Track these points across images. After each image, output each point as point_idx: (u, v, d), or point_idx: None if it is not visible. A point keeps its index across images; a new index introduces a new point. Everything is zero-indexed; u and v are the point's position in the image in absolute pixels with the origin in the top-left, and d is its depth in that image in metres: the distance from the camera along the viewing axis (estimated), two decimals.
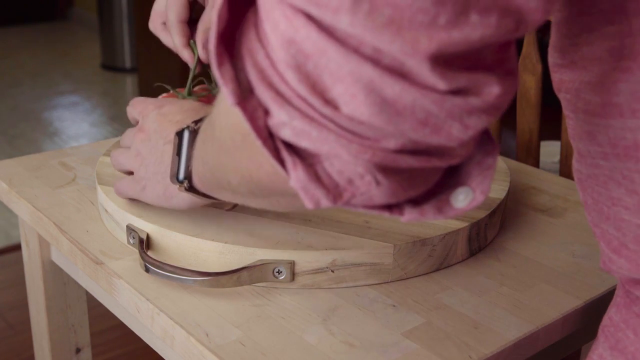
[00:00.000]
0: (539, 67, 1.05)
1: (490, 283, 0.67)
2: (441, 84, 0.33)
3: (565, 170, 1.03)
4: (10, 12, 4.98)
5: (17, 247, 2.18)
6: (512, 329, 0.60)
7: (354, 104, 0.34)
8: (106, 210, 0.73)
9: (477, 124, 0.36)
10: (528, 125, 1.07)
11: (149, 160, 0.65)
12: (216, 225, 0.68)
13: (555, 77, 0.50)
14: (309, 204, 0.39)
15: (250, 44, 0.37)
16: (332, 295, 0.64)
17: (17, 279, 2.01)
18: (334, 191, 0.39)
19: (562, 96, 0.50)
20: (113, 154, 0.71)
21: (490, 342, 0.58)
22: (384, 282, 0.66)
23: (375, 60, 0.33)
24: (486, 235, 0.73)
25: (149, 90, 2.86)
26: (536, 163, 1.08)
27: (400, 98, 0.34)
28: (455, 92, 0.34)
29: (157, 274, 0.63)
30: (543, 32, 1.84)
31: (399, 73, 0.33)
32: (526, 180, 0.89)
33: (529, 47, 1.05)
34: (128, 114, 0.72)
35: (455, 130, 0.35)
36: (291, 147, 0.38)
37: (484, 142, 0.42)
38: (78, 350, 0.92)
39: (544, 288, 0.66)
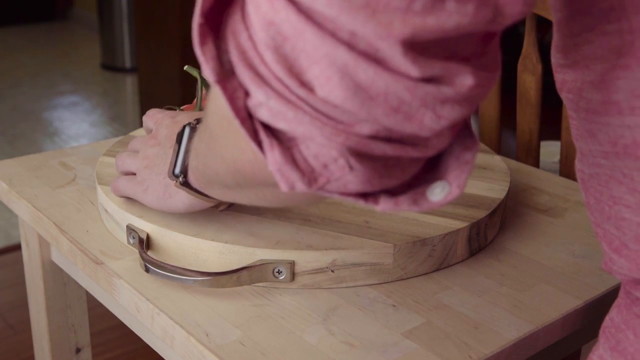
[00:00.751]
0: (539, 67, 1.05)
1: (490, 283, 0.67)
2: (414, 71, 0.34)
3: (565, 170, 1.03)
4: (10, 12, 4.98)
5: (17, 247, 2.18)
6: (512, 329, 0.60)
7: (328, 87, 0.35)
8: (106, 210, 0.73)
9: (450, 114, 0.36)
10: (528, 125, 1.07)
11: (155, 162, 0.67)
12: (216, 225, 0.68)
13: (558, 77, 0.50)
14: (283, 187, 0.40)
15: (235, 25, 0.37)
16: (332, 295, 0.64)
17: (17, 279, 2.01)
18: (309, 175, 0.39)
19: (564, 96, 0.50)
20: (119, 155, 0.72)
21: (490, 342, 0.58)
22: (384, 282, 0.66)
23: (350, 45, 0.33)
24: (486, 235, 0.73)
25: (149, 90, 2.86)
26: (536, 163, 1.08)
27: (374, 83, 0.34)
28: (429, 80, 0.34)
29: (157, 274, 0.63)
30: (543, 32, 1.84)
31: (374, 58, 0.34)
32: (526, 180, 0.89)
33: (529, 47, 1.05)
34: (144, 124, 0.73)
35: (428, 119, 0.36)
36: (270, 130, 0.39)
37: (464, 136, 0.42)
38: (78, 350, 0.92)
39: (544, 288, 0.66)
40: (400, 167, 0.40)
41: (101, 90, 3.85)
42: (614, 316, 0.52)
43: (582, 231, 0.77)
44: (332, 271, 0.64)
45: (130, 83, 3.93)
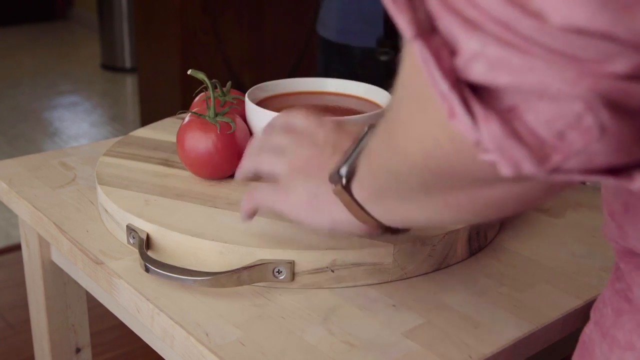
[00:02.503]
0: None
1: (490, 283, 0.67)
2: None
3: None
4: (10, 12, 4.98)
5: (17, 247, 2.18)
6: (512, 329, 0.60)
7: (566, 5, 0.26)
8: (106, 210, 0.73)
9: None
10: None
11: (309, 165, 0.57)
12: (216, 225, 0.68)
13: None
14: (506, 169, 0.32)
15: None
16: (332, 295, 0.64)
17: (17, 279, 2.01)
18: (539, 151, 0.31)
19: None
20: (259, 151, 0.61)
21: (490, 342, 0.58)
22: (384, 282, 0.66)
23: None
24: (486, 235, 0.73)
25: (149, 90, 2.86)
26: None
27: None
28: None
29: (157, 274, 0.63)
30: None
31: None
32: None
33: None
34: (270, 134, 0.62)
35: None
36: (484, 102, 0.31)
37: None
38: (78, 350, 0.92)
39: (544, 288, 0.66)
40: None
41: (101, 90, 3.85)
42: (604, 291, 0.51)
43: (582, 231, 0.77)
44: (332, 271, 0.64)
45: (130, 83, 3.93)
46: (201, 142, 0.75)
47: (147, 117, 2.86)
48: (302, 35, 2.86)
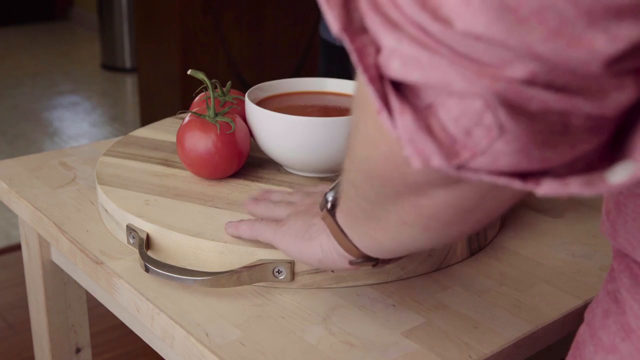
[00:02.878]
0: None
1: (490, 283, 0.67)
2: None
3: None
4: (10, 12, 4.98)
5: (17, 247, 2.18)
6: (512, 329, 0.60)
7: (468, 13, 0.29)
8: (106, 210, 0.73)
9: (630, 32, 0.27)
10: None
11: (301, 202, 0.64)
12: (216, 225, 0.68)
13: None
14: (415, 162, 0.33)
15: None
16: (332, 295, 0.64)
17: (17, 279, 2.01)
18: (449, 147, 0.33)
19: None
20: (265, 203, 0.68)
21: (490, 341, 0.58)
22: (384, 282, 0.66)
23: None
24: (486, 235, 0.73)
25: (149, 90, 2.86)
26: None
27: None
28: None
29: (157, 274, 0.63)
30: None
31: None
32: None
33: None
34: (254, 210, 0.68)
35: (600, 41, 0.28)
36: (403, 96, 0.33)
37: None
38: (78, 350, 0.92)
39: (543, 288, 0.66)
40: (569, 134, 0.32)
41: (101, 90, 3.85)
42: (599, 292, 0.51)
43: (582, 231, 0.77)
44: (332, 271, 0.64)
45: (130, 83, 3.93)
46: (201, 142, 0.75)
47: (147, 117, 2.86)
48: (303, 36, 2.86)
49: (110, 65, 4.12)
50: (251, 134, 0.79)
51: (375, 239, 0.48)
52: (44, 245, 0.86)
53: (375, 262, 0.53)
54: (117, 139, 0.90)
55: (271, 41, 2.82)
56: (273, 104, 0.81)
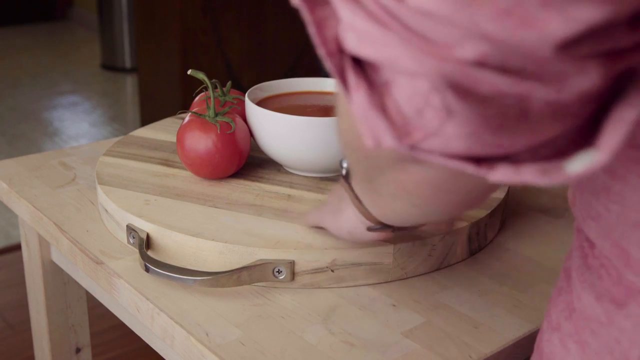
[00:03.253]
0: None
1: (490, 283, 0.67)
2: None
3: None
4: (10, 12, 4.98)
5: (17, 247, 2.18)
6: (512, 329, 0.60)
7: None
8: (106, 210, 0.73)
9: (585, 14, 0.26)
10: None
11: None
12: (216, 225, 0.68)
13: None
14: (368, 140, 0.33)
15: None
16: (332, 295, 0.64)
17: (17, 279, 2.01)
18: (401, 128, 0.32)
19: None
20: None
21: (490, 341, 0.58)
22: (384, 282, 0.66)
23: None
24: (486, 235, 0.73)
25: (149, 90, 2.86)
26: None
27: None
28: None
29: (157, 273, 0.63)
30: None
31: None
32: None
33: None
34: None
35: (554, 22, 0.26)
36: (361, 73, 0.32)
37: (633, 91, 0.30)
38: (78, 350, 0.92)
39: (544, 288, 0.66)
40: (529, 120, 0.30)
41: (101, 90, 3.85)
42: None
43: None
44: (332, 271, 0.64)
45: (130, 83, 3.93)
46: (201, 142, 0.75)
47: (147, 117, 2.86)
48: (303, 36, 2.86)
49: (110, 65, 4.12)
50: (251, 134, 0.79)
51: (380, 207, 0.48)
52: (44, 245, 0.86)
53: (392, 228, 0.54)
54: (117, 139, 0.90)
55: (271, 41, 2.82)
56: (273, 104, 0.81)
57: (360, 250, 0.64)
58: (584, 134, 0.32)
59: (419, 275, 0.67)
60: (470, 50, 0.27)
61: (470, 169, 0.32)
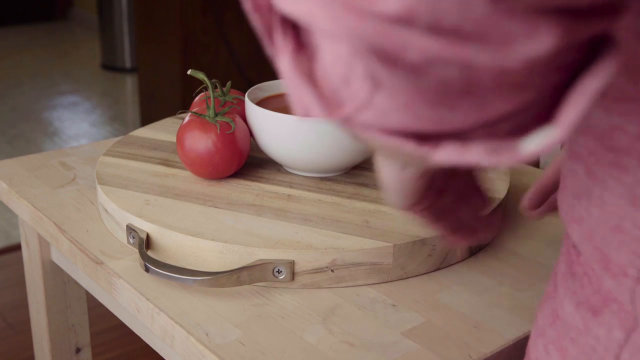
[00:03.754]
0: None
1: (490, 283, 0.67)
2: None
3: None
4: (10, 12, 4.98)
5: (17, 247, 2.18)
6: (512, 329, 0.60)
7: None
8: (106, 210, 0.73)
9: None
10: None
11: None
12: (216, 225, 0.68)
13: None
14: (296, 109, 0.29)
15: None
16: (332, 295, 0.64)
17: (17, 279, 2.01)
18: (331, 98, 0.28)
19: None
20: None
21: (490, 341, 0.58)
22: (384, 282, 0.66)
23: None
24: None
25: (149, 90, 2.86)
26: (536, 163, 1.08)
27: None
28: None
29: (157, 273, 0.63)
30: None
31: None
32: (526, 180, 0.89)
33: None
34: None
35: None
36: (289, 34, 0.28)
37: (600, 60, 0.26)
38: (78, 350, 0.92)
39: (543, 287, 0.66)
40: (472, 93, 0.26)
41: (101, 90, 3.85)
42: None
43: None
44: (332, 271, 0.64)
45: (130, 83, 3.93)
46: (201, 142, 0.75)
47: (147, 117, 2.86)
48: None
49: (110, 65, 4.12)
50: (251, 134, 0.79)
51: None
52: (44, 245, 0.86)
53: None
54: (117, 139, 0.90)
55: None
56: (273, 104, 0.81)
57: (361, 250, 0.64)
58: (550, 111, 0.28)
59: (419, 275, 0.67)
60: (393, 3, 0.23)
61: (410, 147, 0.28)
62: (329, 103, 0.28)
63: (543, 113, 0.28)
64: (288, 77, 0.28)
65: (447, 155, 0.28)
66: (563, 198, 0.43)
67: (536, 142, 0.27)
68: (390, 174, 0.43)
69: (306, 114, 0.29)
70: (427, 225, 0.48)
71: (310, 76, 0.28)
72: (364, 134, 0.29)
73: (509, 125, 0.28)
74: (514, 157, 0.28)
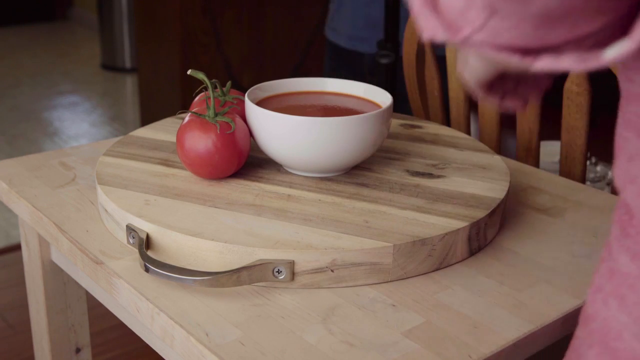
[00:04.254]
0: None
1: (490, 283, 0.67)
2: None
3: (565, 170, 1.02)
4: (10, 12, 4.98)
5: (17, 247, 2.18)
6: (512, 329, 0.60)
7: None
8: (106, 210, 0.73)
9: None
10: (528, 125, 1.07)
11: None
12: (216, 225, 0.68)
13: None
14: (425, 33, 0.37)
15: None
16: (332, 295, 0.64)
17: (17, 279, 2.01)
18: (452, 23, 0.36)
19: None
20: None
21: (490, 342, 0.58)
22: (384, 282, 0.66)
23: None
24: (486, 235, 0.73)
25: (149, 90, 2.86)
26: (536, 163, 1.08)
27: None
28: None
29: (157, 274, 0.63)
30: None
31: None
32: (526, 180, 0.89)
33: None
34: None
35: None
36: None
37: None
38: (78, 350, 0.92)
39: (543, 287, 0.66)
40: (568, 18, 0.34)
41: (101, 90, 3.85)
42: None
43: (582, 231, 0.77)
44: (332, 271, 0.64)
45: (130, 83, 3.93)
46: (201, 142, 0.75)
47: (147, 117, 2.86)
48: (303, 36, 2.86)
49: (110, 65, 4.12)
50: (251, 134, 0.79)
51: None
52: (44, 245, 0.86)
53: None
54: (117, 139, 0.90)
55: (271, 41, 2.82)
56: (273, 104, 0.81)
57: (360, 250, 0.64)
58: (625, 29, 0.35)
59: (419, 275, 0.67)
60: None
61: (515, 59, 0.36)
62: (450, 28, 0.35)
63: (620, 30, 0.35)
64: (418, 9, 0.36)
65: (545, 64, 0.36)
66: (617, 165, 0.46)
67: (615, 51, 0.34)
68: (477, 68, 0.52)
69: (433, 37, 0.36)
70: (489, 101, 0.57)
71: (435, 7, 0.36)
72: (479, 50, 0.36)
73: (593, 40, 0.35)
74: (598, 63, 0.35)
